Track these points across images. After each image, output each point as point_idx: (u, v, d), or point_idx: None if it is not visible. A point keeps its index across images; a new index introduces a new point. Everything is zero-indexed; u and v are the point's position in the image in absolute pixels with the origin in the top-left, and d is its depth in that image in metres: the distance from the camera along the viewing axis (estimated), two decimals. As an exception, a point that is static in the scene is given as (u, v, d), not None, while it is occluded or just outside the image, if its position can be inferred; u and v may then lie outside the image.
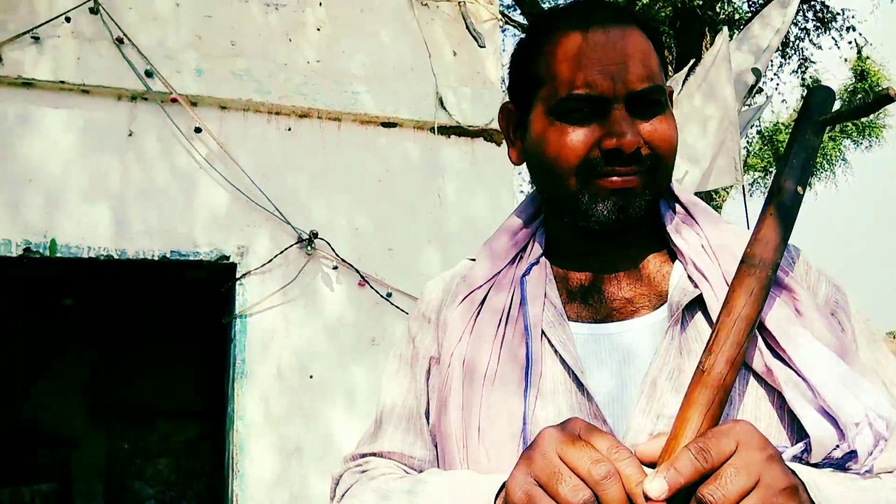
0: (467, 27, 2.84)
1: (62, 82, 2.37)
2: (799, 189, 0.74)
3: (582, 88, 0.79)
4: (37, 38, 2.36)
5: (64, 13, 2.40)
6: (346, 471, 0.97)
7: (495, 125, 2.89)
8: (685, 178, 3.02)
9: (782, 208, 0.73)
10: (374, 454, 0.96)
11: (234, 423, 2.45)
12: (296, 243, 2.58)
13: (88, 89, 2.42)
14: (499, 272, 0.94)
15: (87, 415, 4.66)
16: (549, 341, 0.83)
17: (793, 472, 0.60)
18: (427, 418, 0.94)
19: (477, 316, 0.90)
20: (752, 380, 0.75)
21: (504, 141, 2.81)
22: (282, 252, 2.55)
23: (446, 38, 2.95)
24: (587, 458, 0.59)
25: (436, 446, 0.92)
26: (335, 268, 2.62)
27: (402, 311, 2.67)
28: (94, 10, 2.46)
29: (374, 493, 0.87)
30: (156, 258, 2.42)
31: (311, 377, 2.54)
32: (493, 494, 0.69)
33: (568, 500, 0.57)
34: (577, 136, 0.80)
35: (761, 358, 0.74)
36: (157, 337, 4.80)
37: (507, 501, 0.64)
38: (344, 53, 2.81)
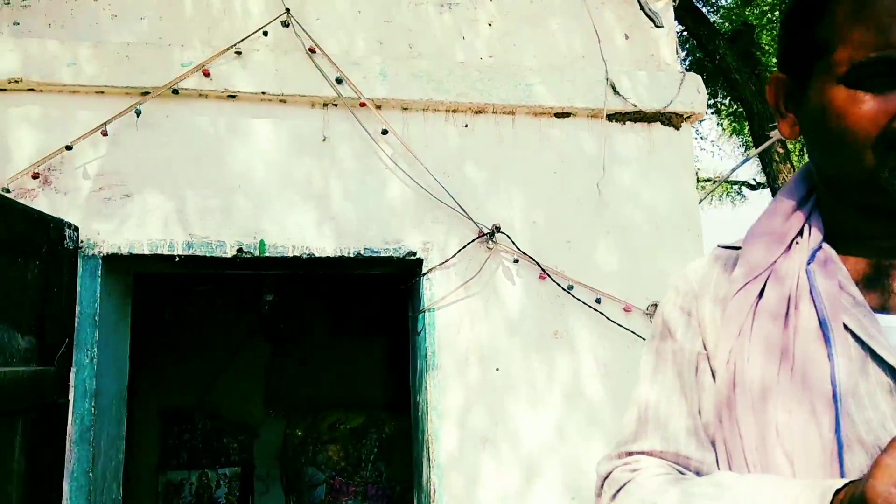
0: (641, 7, 2.74)
1: (263, 93, 2.55)
2: None
3: (885, 50, 0.72)
4: (239, 53, 2.55)
5: (261, 28, 2.58)
6: (614, 468, 0.94)
7: (674, 108, 2.78)
8: None
9: None
10: (642, 453, 0.94)
11: (427, 414, 2.52)
12: (477, 238, 2.61)
13: (286, 98, 2.58)
14: (774, 260, 0.88)
15: (264, 404, 5.02)
16: (854, 336, 0.76)
17: None
18: (699, 416, 0.90)
19: (756, 308, 0.85)
20: None
21: (683, 124, 2.67)
22: (464, 247, 2.59)
23: (617, 22, 2.87)
24: None
25: (712, 445, 0.88)
26: (516, 261, 2.63)
27: (584, 303, 2.63)
28: (285, 24, 2.62)
29: (654, 493, 0.84)
30: (351, 255, 2.54)
31: (496, 370, 2.56)
32: (826, 501, 0.65)
33: None
34: (877, 105, 0.73)
35: None
36: (324, 332, 5.09)
37: None
38: (515, 46, 2.81)
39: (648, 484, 0.87)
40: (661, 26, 2.69)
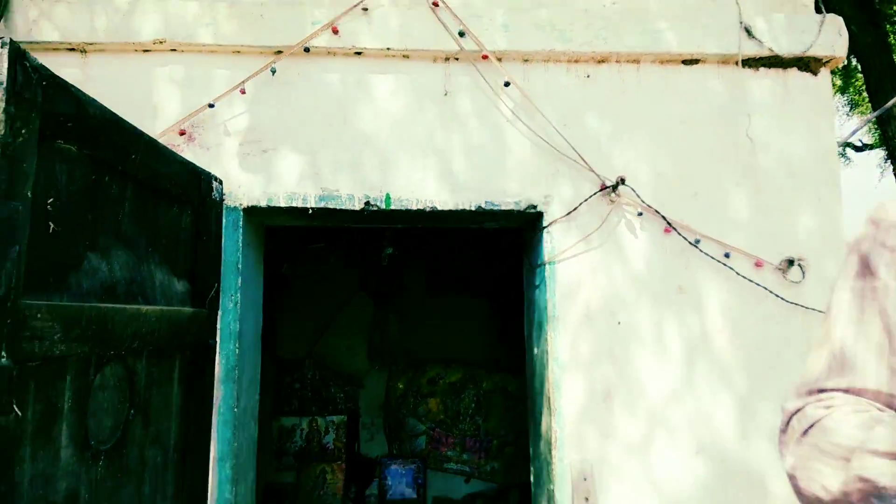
0: (779, -55, 2.57)
1: (387, 49, 2.58)
2: None
3: None
4: (365, 10, 2.58)
5: (385, -16, 2.60)
6: (805, 405, 0.93)
7: (813, 52, 2.61)
8: None
9: None
10: (837, 390, 0.92)
11: (548, 365, 2.55)
12: (600, 190, 2.57)
13: (409, 54, 2.61)
14: None
15: (367, 357, 5.22)
16: None
17: None
18: None
19: None
20: None
21: (821, 69, 2.50)
22: (587, 199, 2.57)
23: (751, -38, 2.70)
24: None
25: None
26: (640, 214, 2.58)
27: (712, 258, 2.55)
28: (407, -21, 2.63)
29: (857, 429, 0.82)
30: (472, 209, 2.57)
31: (618, 323, 2.55)
32: None
33: None
34: None
35: None
36: (423, 290, 5.20)
37: None
38: (641, -8, 2.71)
39: (849, 420, 0.86)
40: (803, -37, 2.51)
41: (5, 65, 1.25)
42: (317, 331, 5.14)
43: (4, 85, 1.26)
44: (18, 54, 1.29)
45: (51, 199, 1.50)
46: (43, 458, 1.45)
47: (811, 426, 0.89)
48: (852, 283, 0.95)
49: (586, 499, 2.42)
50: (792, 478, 0.91)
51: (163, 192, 2.07)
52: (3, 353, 1.26)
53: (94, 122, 1.64)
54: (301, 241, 4.72)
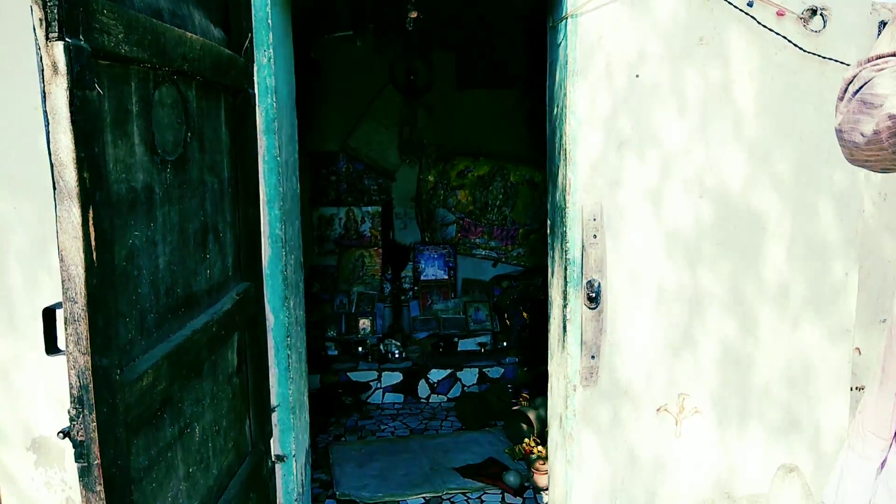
0: None
1: None
2: None
3: None
4: None
5: None
6: (860, 70, 0.98)
7: None
8: None
9: None
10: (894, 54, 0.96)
11: (566, 119, 2.70)
12: (627, -63, 2.53)
13: None
14: None
15: (398, 151, 5.44)
16: None
17: None
18: None
19: None
20: None
21: None
22: (613, -53, 2.54)
23: None
24: None
25: None
26: (666, -38, 2.56)
27: (736, 7, 2.56)
28: None
29: None
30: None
31: (636, 76, 2.64)
32: None
33: None
34: None
35: None
36: (452, 83, 5.25)
37: None
38: None
39: (893, 74, 0.90)
40: None
41: None
42: (348, 124, 5.32)
43: None
44: None
45: None
46: (122, 147, 1.69)
47: (863, 85, 0.95)
48: None
49: (594, 235, 2.69)
50: (839, 132, 0.99)
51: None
52: (82, 38, 1.45)
53: None
54: (327, 28, 4.72)
